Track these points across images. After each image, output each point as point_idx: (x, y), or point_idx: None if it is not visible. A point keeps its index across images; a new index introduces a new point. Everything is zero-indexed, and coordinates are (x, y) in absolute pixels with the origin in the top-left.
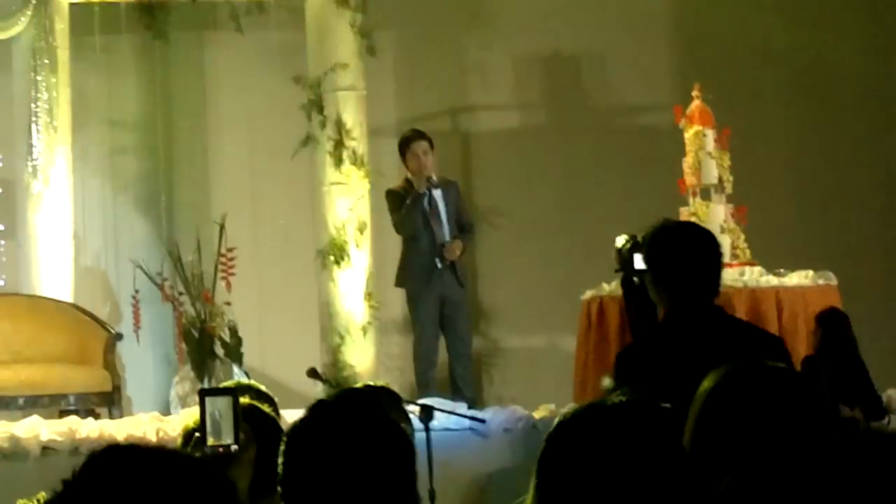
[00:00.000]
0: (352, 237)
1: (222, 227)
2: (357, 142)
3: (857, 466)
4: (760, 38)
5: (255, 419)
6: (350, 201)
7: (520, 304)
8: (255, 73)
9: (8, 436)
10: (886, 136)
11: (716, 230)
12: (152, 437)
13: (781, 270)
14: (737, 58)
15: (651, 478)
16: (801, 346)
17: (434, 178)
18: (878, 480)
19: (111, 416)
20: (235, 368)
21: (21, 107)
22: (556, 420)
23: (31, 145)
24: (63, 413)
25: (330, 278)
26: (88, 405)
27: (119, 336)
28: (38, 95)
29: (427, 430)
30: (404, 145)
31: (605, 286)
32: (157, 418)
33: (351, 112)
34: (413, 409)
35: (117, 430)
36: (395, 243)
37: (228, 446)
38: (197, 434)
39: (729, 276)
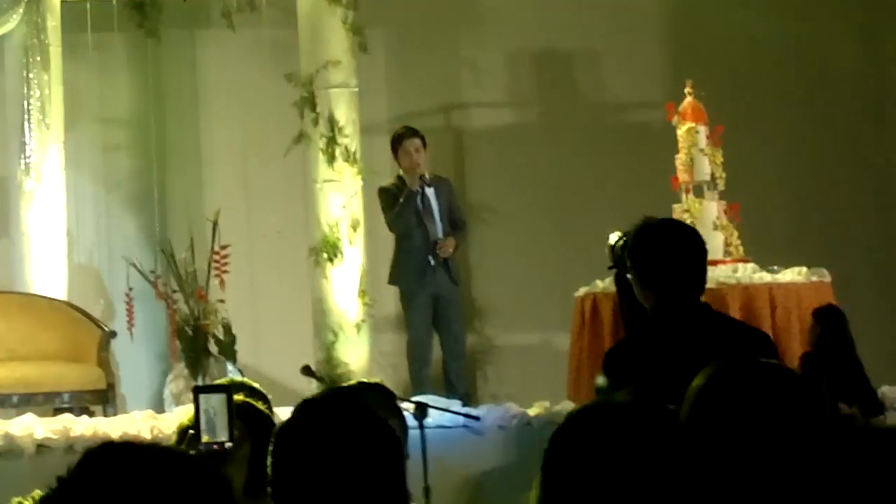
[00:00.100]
0: (345, 234)
1: (215, 224)
2: (350, 139)
3: (857, 462)
4: (753, 34)
5: (249, 416)
6: (343, 198)
7: (513, 301)
8: (247, 71)
9: (2, 434)
10: (880, 133)
11: (709, 227)
12: (147, 435)
13: (775, 267)
14: (729, 54)
15: (657, 478)
16: (794, 343)
17: (427, 175)
18: (879, 476)
19: (105, 414)
20: (229, 366)
21: (13, 104)
22: (565, 417)
23: (23, 143)
24: (57, 411)
25: (323, 275)
26: (82, 403)
27: (113, 334)
28: (31, 93)
29: (421, 427)
30: (397, 142)
31: (599, 283)
32: (151, 416)
33: (343, 109)
34: (407, 407)
35: (112, 427)
36: (388, 241)
37: (223, 443)
38: (191, 431)
39: (722, 272)
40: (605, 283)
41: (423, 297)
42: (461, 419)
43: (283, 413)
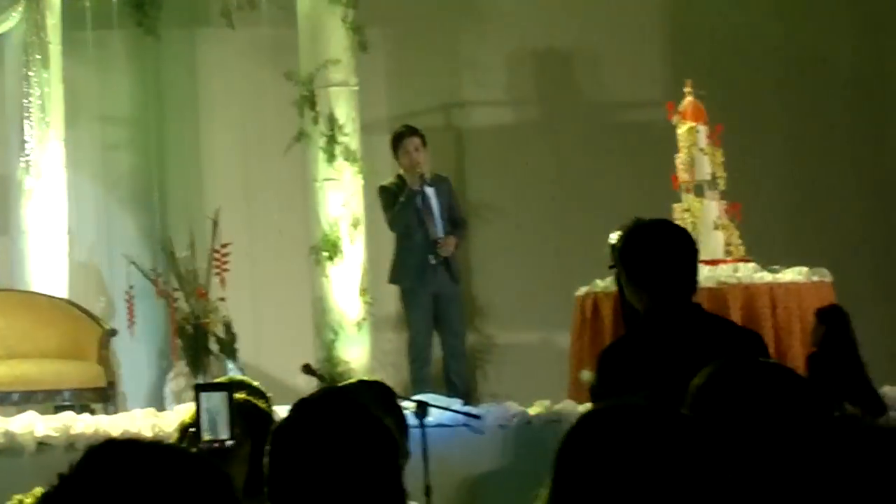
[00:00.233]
0: (345, 233)
1: (216, 222)
2: (349, 137)
3: (861, 461)
4: (753, 33)
5: (249, 415)
6: (343, 197)
7: (514, 300)
8: (247, 69)
9: (3, 431)
10: (880, 132)
11: (709, 226)
12: (147, 433)
13: (776, 267)
14: (729, 54)
15: (672, 482)
16: (795, 343)
17: (427, 174)
18: (885, 475)
19: (106, 412)
20: (230, 364)
21: (13, 102)
22: (577, 417)
23: (23, 141)
24: (58, 409)
25: (323, 274)
26: (83, 401)
27: (113, 332)
28: (31, 91)
29: (422, 426)
30: (397, 141)
31: (599, 282)
32: (151, 414)
33: (343, 108)
34: (408, 406)
35: (112, 425)
36: (388, 239)
37: (224, 442)
38: (192, 429)
39: (723, 272)
40: (606, 283)
41: (423, 296)
42: (461, 418)
43: (283, 411)
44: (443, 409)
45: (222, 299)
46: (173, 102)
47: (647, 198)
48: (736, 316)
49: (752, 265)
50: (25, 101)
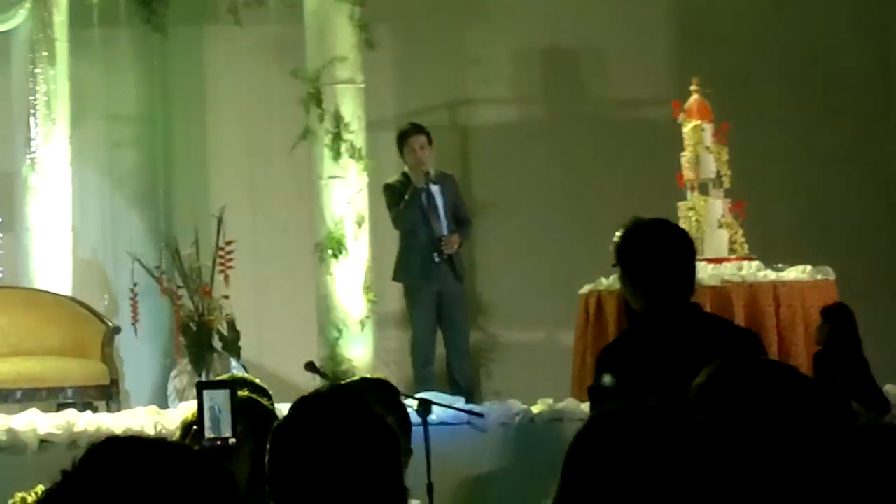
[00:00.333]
0: (350, 231)
1: (220, 220)
2: (355, 135)
3: (867, 459)
4: (759, 32)
5: (252, 413)
6: (348, 195)
7: (518, 298)
8: (253, 67)
9: (6, 429)
10: (886, 131)
11: (714, 225)
12: (150, 431)
13: (779, 265)
14: (735, 52)
15: (680, 484)
16: (798, 341)
17: (432, 172)
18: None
19: (109, 410)
20: (233, 362)
21: (20, 99)
22: (587, 418)
23: (29, 138)
24: (61, 406)
25: (328, 272)
26: (86, 398)
27: (117, 329)
28: (37, 88)
29: (425, 424)
30: (402, 139)
31: (604, 281)
32: (155, 412)
33: (349, 105)
34: (411, 404)
35: (115, 423)
36: (393, 237)
37: (226, 440)
38: (195, 427)
39: (727, 270)
40: (610, 281)
41: (427, 294)
42: (464, 416)
43: (286, 409)
44: (446, 407)
45: (226, 297)
46: (180, 100)
47: (652, 196)
48: (739, 314)
49: (755, 263)
50: (32, 97)
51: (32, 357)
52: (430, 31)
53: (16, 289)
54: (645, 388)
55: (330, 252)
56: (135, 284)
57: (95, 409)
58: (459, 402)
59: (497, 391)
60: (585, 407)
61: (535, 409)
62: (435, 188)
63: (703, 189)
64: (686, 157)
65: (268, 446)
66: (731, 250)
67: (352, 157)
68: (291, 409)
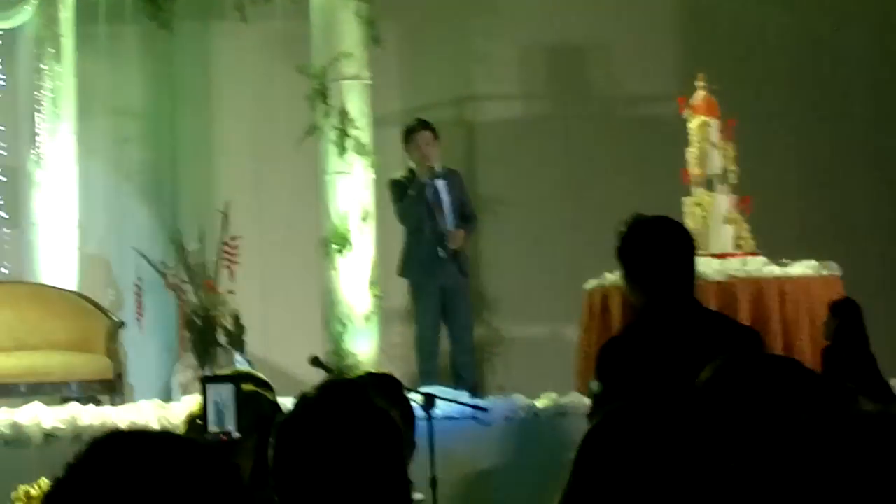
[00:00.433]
0: (355, 226)
1: (226, 215)
2: (361, 131)
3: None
4: (765, 27)
5: (257, 406)
6: (354, 190)
7: (522, 293)
8: (259, 63)
9: (10, 423)
10: (892, 127)
11: (719, 220)
12: (154, 425)
13: (785, 261)
14: (741, 48)
15: (692, 481)
16: (803, 336)
17: (438, 167)
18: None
19: (113, 404)
20: (238, 356)
21: (26, 95)
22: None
23: (35, 133)
24: (65, 400)
25: (333, 267)
26: (91, 393)
27: (122, 324)
28: (43, 84)
29: (429, 418)
30: (408, 135)
31: (609, 276)
32: (159, 406)
33: (355, 101)
34: (415, 398)
35: (119, 417)
36: (398, 232)
37: (230, 433)
38: (199, 421)
39: (732, 266)
40: (615, 276)
41: (432, 289)
42: (469, 410)
43: (289, 404)
44: (450, 402)
45: (231, 292)
46: (185, 96)
47: (658, 192)
48: (745, 309)
49: (761, 259)
50: (38, 94)
51: (37, 351)
52: (436, 27)
53: (21, 283)
54: (644, 384)
55: (335, 247)
56: (140, 279)
57: (100, 404)
58: (463, 396)
59: (501, 386)
60: (588, 402)
61: (539, 403)
62: (441, 184)
63: (709, 185)
64: (692, 153)
65: (272, 440)
66: (737, 246)
67: (357, 152)
68: (296, 403)
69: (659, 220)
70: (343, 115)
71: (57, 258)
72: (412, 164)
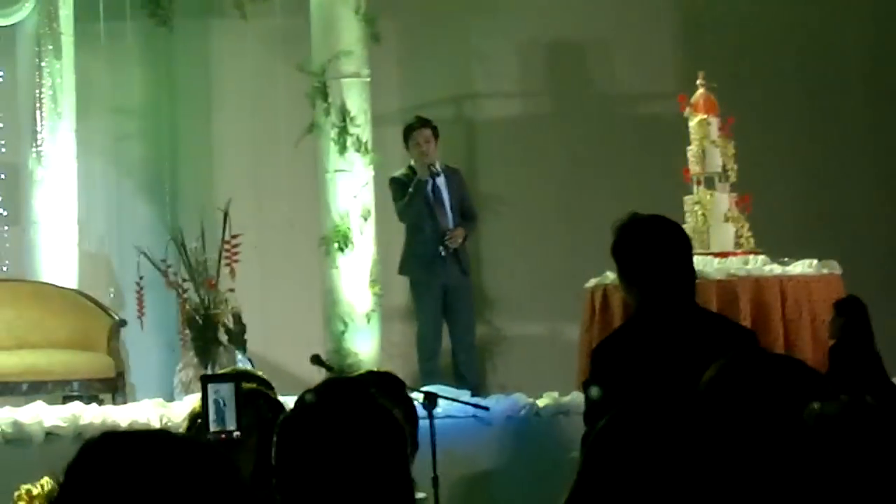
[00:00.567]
0: (356, 224)
1: (226, 213)
2: (361, 129)
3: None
4: (765, 25)
5: (259, 405)
6: (354, 188)
7: (523, 292)
8: (259, 61)
9: (12, 421)
10: (892, 125)
11: (720, 219)
12: (156, 424)
13: (786, 259)
14: (741, 46)
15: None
16: (804, 335)
17: (437, 165)
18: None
19: (115, 403)
20: (239, 355)
21: (26, 93)
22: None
23: (35, 131)
24: (67, 399)
25: (333, 265)
26: (92, 391)
27: (123, 322)
28: (43, 82)
29: (430, 417)
30: (408, 133)
31: (609, 274)
32: (160, 404)
33: (355, 99)
34: (417, 397)
35: (121, 416)
36: (399, 231)
37: (231, 432)
38: (200, 420)
39: (733, 264)
40: (616, 275)
41: (432, 288)
42: (470, 409)
43: (291, 403)
44: (451, 401)
45: (232, 290)
46: (185, 94)
47: (658, 190)
48: (745, 308)
49: (761, 257)
50: (37, 91)
51: (38, 350)
52: (436, 25)
53: (22, 282)
54: (639, 383)
55: (336, 245)
56: (141, 277)
57: (101, 402)
58: (465, 395)
59: (503, 384)
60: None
61: (541, 402)
62: (441, 182)
63: (710, 183)
64: (692, 151)
65: (274, 439)
66: (737, 244)
67: (357, 150)
68: (298, 402)
69: (653, 220)
70: (343, 112)
71: (58, 256)
72: (412, 162)
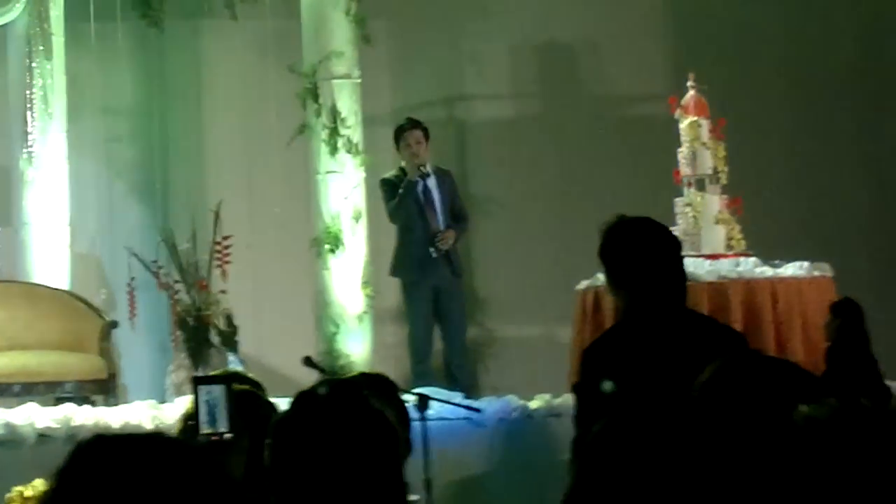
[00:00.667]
0: (347, 225)
1: (217, 214)
2: (352, 130)
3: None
4: (755, 27)
5: (251, 406)
6: (345, 190)
7: (515, 293)
8: (250, 62)
9: (4, 423)
10: (882, 127)
11: (710, 221)
12: (148, 425)
13: (777, 262)
14: (732, 47)
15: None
16: (795, 337)
17: (427, 166)
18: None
19: (107, 404)
20: (230, 357)
21: (16, 93)
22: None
23: (26, 132)
24: (59, 400)
25: (325, 267)
26: (84, 393)
27: (114, 324)
28: (33, 82)
29: (423, 419)
30: (399, 134)
31: (601, 276)
32: (152, 406)
33: (346, 100)
34: (408, 399)
35: (113, 418)
36: (390, 232)
37: (223, 434)
38: (191, 422)
39: (724, 267)
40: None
41: (424, 289)
42: (462, 411)
43: (282, 404)
44: (443, 403)
45: (223, 291)
46: (176, 94)
47: (649, 192)
48: (736, 310)
49: (753, 260)
50: (28, 92)
51: (30, 351)
52: (427, 26)
53: (13, 283)
54: (630, 386)
55: (327, 247)
56: (132, 279)
57: (93, 404)
58: (457, 397)
59: (495, 386)
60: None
61: (533, 404)
62: (432, 183)
63: (700, 185)
64: (683, 153)
65: (268, 440)
66: (728, 246)
67: (348, 152)
68: (293, 404)
69: (640, 222)
70: (334, 114)
71: (49, 257)
72: (403, 164)
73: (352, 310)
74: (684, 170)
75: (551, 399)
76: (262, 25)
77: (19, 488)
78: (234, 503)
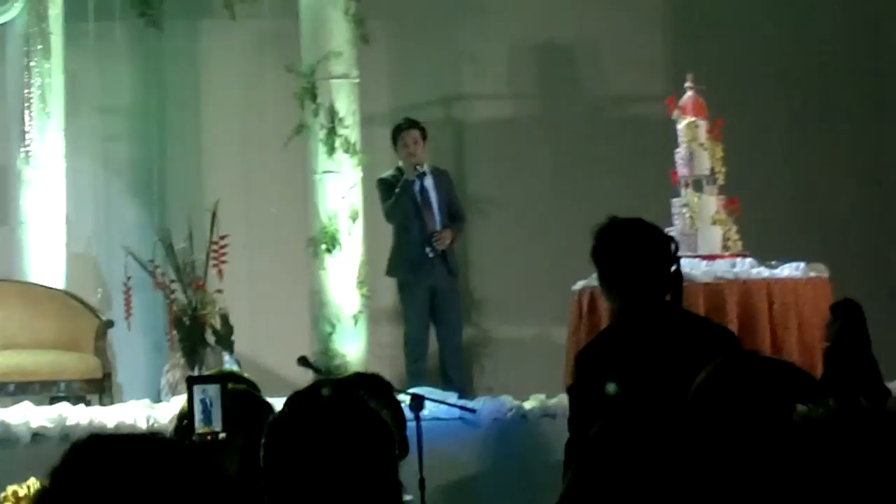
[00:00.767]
0: (344, 225)
1: (214, 214)
2: (350, 130)
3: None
4: (753, 27)
5: (246, 406)
6: (342, 190)
7: (511, 293)
8: (248, 61)
9: None
10: (880, 127)
11: (707, 221)
12: (143, 425)
13: (773, 262)
14: (730, 48)
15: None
16: (791, 338)
17: (424, 166)
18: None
19: (102, 404)
20: (226, 356)
21: (14, 92)
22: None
23: (23, 131)
24: (54, 400)
25: (321, 267)
26: (79, 392)
27: (110, 323)
28: (31, 81)
29: (417, 419)
30: (396, 134)
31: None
32: (147, 406)
33: (344, 100)
34: (403, 399)
35: (108, 417)
36: (387, 232)
37: (217, 434)
38: (185, 422)
39: (720, 267)
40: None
41: (420, 290)
42: (457, 411)
43: (277, 404)
44: (438, 403)
45: (220, 291)
46: (174, 94)
47: (646, 192)
48: (732, 311)
49: (749, 260)
50: (26, 91)
51: (25, 350)
52: (425, 26)
53: (9, 282)
54: (624, 388)
55: (324, 247)
56: (128, 278)
57: (88, 403)
58: (452, 397)
59: (490, 387)
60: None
61: (528, 404)
62: (429, 183)
63: (698, 186)
64: (680, 153)
65: (263, 440)
66: (725, 247)
67: (346, 152)
68: (287, 404)
69: (632, 223)
70: (332, 113)
71: (45, 257)
72: (400, 163)
73: (348, 310)
74: (681, 170)
75: (546, 399)
76: (260, 25)
77: (14, 487)
78: (228, 503)
